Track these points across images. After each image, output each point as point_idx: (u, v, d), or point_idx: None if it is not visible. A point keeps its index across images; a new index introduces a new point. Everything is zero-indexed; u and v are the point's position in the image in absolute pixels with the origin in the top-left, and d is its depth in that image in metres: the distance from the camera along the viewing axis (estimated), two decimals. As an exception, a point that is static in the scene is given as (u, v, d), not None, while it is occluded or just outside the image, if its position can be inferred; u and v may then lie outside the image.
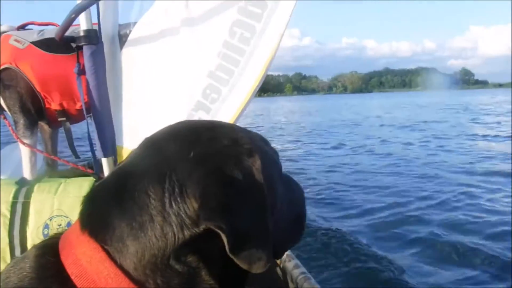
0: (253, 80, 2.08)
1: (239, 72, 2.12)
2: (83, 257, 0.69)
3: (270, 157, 0.81)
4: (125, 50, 2.60)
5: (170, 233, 0.66)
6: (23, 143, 2.74)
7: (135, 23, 2.61)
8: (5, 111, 2.88)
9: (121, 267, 0.67)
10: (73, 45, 2.57)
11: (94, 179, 1.95)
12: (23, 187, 1.84)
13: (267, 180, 0.73)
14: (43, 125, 3.10)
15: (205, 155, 0.71)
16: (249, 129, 0.86)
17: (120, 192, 0.72)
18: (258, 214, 0.69)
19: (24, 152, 2.83)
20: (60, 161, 2.79)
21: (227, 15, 2.16)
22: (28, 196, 1.79)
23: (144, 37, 2.55)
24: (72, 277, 0.68)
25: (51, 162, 3.09)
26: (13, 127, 2.81)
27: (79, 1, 2.31)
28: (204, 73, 2.24)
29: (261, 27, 2.05)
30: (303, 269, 1.97)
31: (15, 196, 1.78)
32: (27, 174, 2.77)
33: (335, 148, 11.84)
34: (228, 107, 2.19)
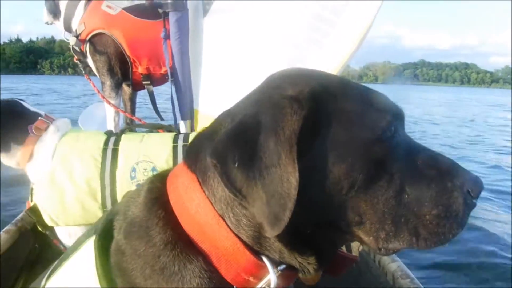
0: (344, 53, 2.10)
1: (329, 44, 2.15)
2: (181, 186, 0.81)
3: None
4: (208, 19, 2.69)
5: None
6: (109, 103, 2.90)
7: (219, -8, 2.68)
8: (90, 73, 3.04)
9: (208, 198, 0.78)
10: (160, 10, 2.68)
11: (175, 133, 2.09)
12: (112, 136, 2.02)
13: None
14: (124, 87, 3.24)
15: None
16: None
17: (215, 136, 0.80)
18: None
19: (109, 111, 3.00)
20: (139, 122, 2.92)
21: None
22: (116, 144, 1.96)
23: (228, 7, 2.62)
24: (171, 202, 0.81)
25: (129, 121, 3.24)
26: (98, 87, 2.96)
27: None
28: (291, 44, 2.29)
29: None
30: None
31: (106, 143, 1.96)
32: None
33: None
34: None
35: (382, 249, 0.80)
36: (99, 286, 0.79)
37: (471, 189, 0.79)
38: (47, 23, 3.20)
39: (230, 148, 0.74)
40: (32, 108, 2.10)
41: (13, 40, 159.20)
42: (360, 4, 2.06)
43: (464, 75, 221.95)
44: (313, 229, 0.78)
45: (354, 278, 2.09)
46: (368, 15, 2.03)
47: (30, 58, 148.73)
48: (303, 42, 2.24)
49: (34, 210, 2.03)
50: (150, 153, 1.93)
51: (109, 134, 2.06)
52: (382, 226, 0.77)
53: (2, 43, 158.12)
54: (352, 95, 0.80)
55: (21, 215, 2.26)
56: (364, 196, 0.75)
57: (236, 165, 0.72)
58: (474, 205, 0.80)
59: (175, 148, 1.92)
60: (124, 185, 1.88)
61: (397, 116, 0.82)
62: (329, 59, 2.15)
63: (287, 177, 0.70)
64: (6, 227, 2.15)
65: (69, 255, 0.92)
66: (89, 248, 0.85)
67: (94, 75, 3.10)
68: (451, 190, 0.78)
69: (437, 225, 0.77)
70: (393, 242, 0.79)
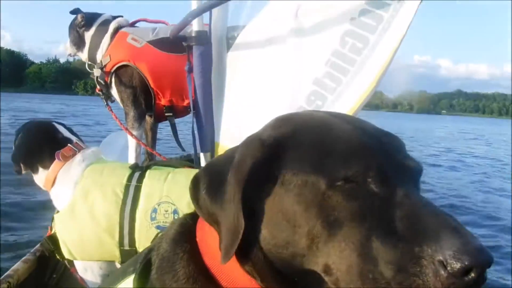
0: (362, 91, 2.08)
1: (347, 82, 2.13)
2: (207, 224, 0.85)
3: None
4: (231, 53, 2.73)
5: None
6: (131, 135, 2.95)
7: (243, 26, 2.72)
8: (113, 102, 3.12)
9: None
10: (184, 44, 2.74)
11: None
12: (136, 171, 1.99)
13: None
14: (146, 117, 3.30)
15: None
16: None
17: None
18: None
19: (131, 142, 3.04)
20: (158, 156, 2.95)
21: (339, 25, 2.18)
22: (140, 181, 1.93)
23: (250, 42, 2.65)
24: (197, 238, 0.88)
25: (150, 152, 3.29)
26: (119, 118, 3.01)
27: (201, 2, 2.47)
28: (310, 80, 2.28)
29: (374, 39, 2.05)
30: None
31: (129, 179, 1.93)
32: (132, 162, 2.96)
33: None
34: None
35: None
36: None
37: (446, 261, 0.61)
38: (70, 55, 3.30)
39: (203, 176, 0.83)
40: (66, 133, 2.12)
41: (51, 60, 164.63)
42: (379, 46, 2.04)
43: (503, 106, 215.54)
44: (299, 276, 0.77)
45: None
46: (387, 54, 2.01)
47: (65, 78, 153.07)
48: (322, 78, 2.23)
49: (54, 239, 2.02)
50: (173, 194, 1.88)
51: (133, 168, 2.03)
52: (350, 280, 0.69)
53: (39, 62, 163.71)
54: (317, 142, 0.77)
55: (39, 244, 2.29)
56: (331, 244, 0.71)
57: (204, 192, 0.80)
58: (463, 286, 0.61)
59: None
60: (144, 226, 1.86)
61: (379, 164, 0.74)
62: (347, 96, 2.13)
63: (237, 215, 0.74)
64: (25, 257, 2.18)
65: None
66: (128, 286, 0.90)
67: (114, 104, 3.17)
68: (417, 256, 0.64)
69: None
70: None
